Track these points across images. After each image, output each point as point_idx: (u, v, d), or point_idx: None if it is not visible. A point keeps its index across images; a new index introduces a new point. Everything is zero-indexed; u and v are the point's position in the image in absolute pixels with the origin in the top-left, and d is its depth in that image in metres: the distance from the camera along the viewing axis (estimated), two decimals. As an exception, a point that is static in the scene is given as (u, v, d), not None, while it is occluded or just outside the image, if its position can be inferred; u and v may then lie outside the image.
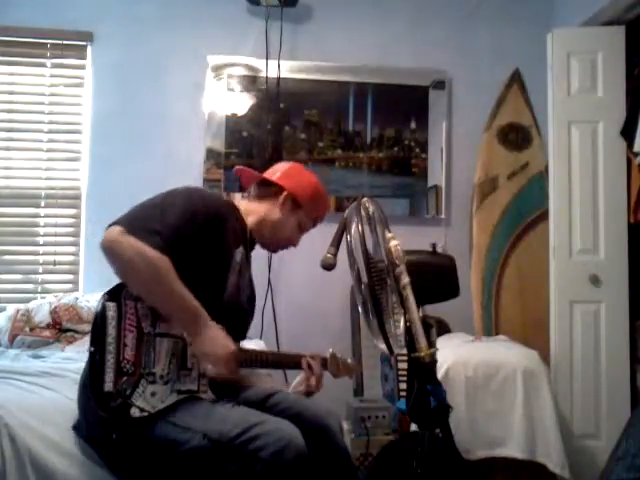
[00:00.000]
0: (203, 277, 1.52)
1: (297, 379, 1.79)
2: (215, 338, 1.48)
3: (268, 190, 1.78)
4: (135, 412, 1.38)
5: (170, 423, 1.42)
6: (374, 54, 3.20)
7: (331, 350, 1.81)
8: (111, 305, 1.44)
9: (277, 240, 1.80)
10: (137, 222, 1.44)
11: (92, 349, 1.42)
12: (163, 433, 1.41)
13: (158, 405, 1.42)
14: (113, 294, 1.46)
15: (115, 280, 1.47)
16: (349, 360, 1.85)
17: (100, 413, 1.37)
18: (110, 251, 1.41)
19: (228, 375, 1.56)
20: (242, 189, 2.76)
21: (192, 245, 1.49)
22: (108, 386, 1.38)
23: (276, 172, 1.81)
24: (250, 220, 1.74)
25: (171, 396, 1.45)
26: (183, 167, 3.04)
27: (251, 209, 1.76)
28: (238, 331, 1.65)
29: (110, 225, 1.44)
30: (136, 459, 1.47)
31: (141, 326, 1.45)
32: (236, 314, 1.65)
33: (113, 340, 1.41)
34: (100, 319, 1.42)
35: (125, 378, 1.40)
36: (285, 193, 1.76)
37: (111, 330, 1.42)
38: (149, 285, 1.43)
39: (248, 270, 1.75)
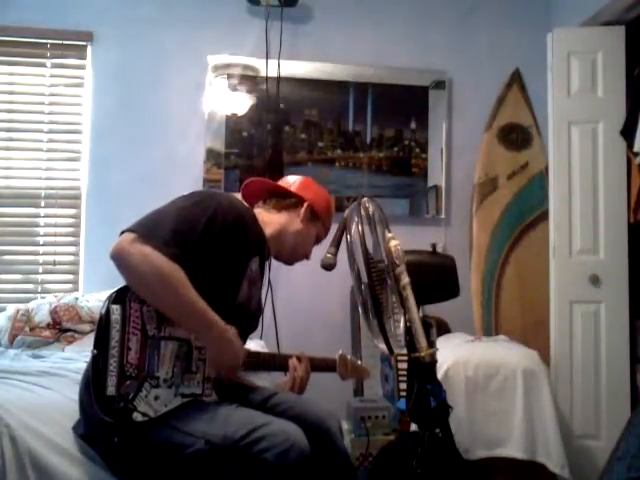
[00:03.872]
0: (217, 283, 1.51)
1: (283, 380, 1.78)
2: (229, 350, 1.49)
3: (287, 201, 1.78)
4: (137, 416, 1.37)
5: (173, 427, 1.41)
6: (374, 54, 3.20)
7: (340, 352, 1.79)
8: (115, 308, 1.42)
9: (296, 251, 1.80)
10: (150, 229, 1.42)
11: (95, 352, 1.41)
12: (166, 437, 1.40)
13: (161, 409, 1.41)
14: (118, 296, 1.44)
15: (116, 280, 1.46)
16: (359, 362, 1.83)
17: (102, 417, 1.37)
18: (120, 262, 1.39)
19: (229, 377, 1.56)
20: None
21: (208, 251, 1.48)
22: (110, 390, 1.37)
23: (292, 184, 1.82)
24: (268, 231, 1.72)
25: (175, 400, 1.44)
26: (183, 167, 3.04)
27: (269, 220, 1.74)
28: (242, 336, 1.65)
29: (122, 232, 1.42)
30: (138, 462, 1.46)
31: (145, 329, 1.44)
32: (244, 319, 1.64)
33: (117, 344, 1.40)
34: (104, 322, 1.41)
35: (128, 382, 1.39)
36: (306, 204, 1.77)
37: (115, 334, 1.40)
38: (161, 297, 1.42)
39: (261, 280, 1.73)
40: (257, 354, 1.76)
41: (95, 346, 1.42)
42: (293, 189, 1.80)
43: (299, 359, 1.73)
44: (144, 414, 1.38)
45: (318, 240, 1.84)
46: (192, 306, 1.42)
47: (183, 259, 1.41)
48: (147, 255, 1.38)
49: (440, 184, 3.21)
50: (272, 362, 1.76)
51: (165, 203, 1.54)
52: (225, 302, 1.53)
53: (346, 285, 2.68)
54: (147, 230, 1.42)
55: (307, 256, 1.83)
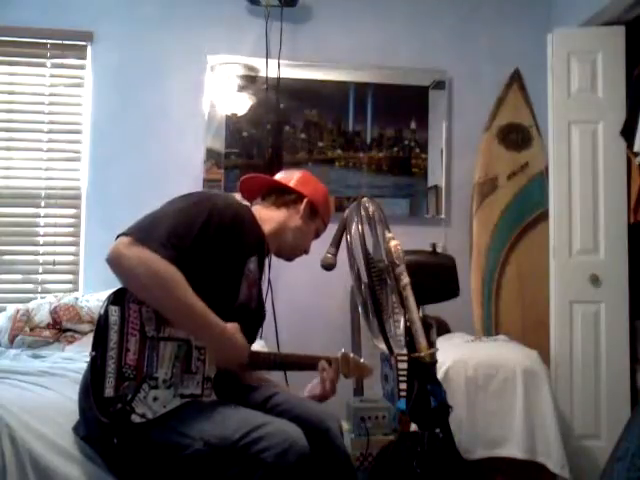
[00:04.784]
0: (215, 283, 1.50)
1: (312, 383, 1.78)
2: (231, 348, 1.50)
3: (286, 198, 1.78)
4: (135, 418, 1.37)
5: (172, 428, 1.40)
6: (374, 54, 3.20)
7: (343, 350, 1.78)
8: (114, 309, 1.42)
9: (296, 247, 1.80)
10: (146, 232, 1.42)
11: (93, 353, 1.40)
12: (165, 438, 1.40)
13: (160, 410, 1.40)
14: (116, 297, 1.44)
15: (115, 281, 1.46)
16: (362, 360, 1.83)
17: (101, 418, 1.36)
18: (117, 266, 1.39)
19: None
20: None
21: (205, 252, 1.48)
22: (108, 392, 1.36)
23: (290, 179, 1.81)
24: (267, 228, 1.72)
25: (173, 401, 1.43)
26: (183, 167, 3.04)
27: (268, 217, 1.74)
28: (248, 336, 1.65)
29: (118, 236, 1.42)
30: (138, 463, 1.46)
31: (144, 330, 1.43)
32: (245, 319, 1.64)
33: (115, 345, 1.39)
34: (103, 323, 1.41)
35: (126, 383, 1.38)
36: (306, 200, 1.77)
37: (113, 335, 1.40)
38: (159, 299, 1.42)
39: (260, 279, 1.72)
40: (276, 355, 1.75)
41: (93, 347, 1.41)
42: (292, 185, 1.79)
43: (329, 361, 1.73)
44: (142, 415, 1.38)
45: (317, 235, 1.84)
46: (190, 307, 1.43)
47: (180, 261, 1.41)
48: (144, 258, 1.37)
49: (440, 184, 3.21)
50: (292, 362, 1.76)
51: (162, 204, 1.54)
52: (225, 303, 1.53)
53: (346, 285, 2.68)
54: (143, 233, 1.42)
55: (307, 251, 1.83)
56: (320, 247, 1.65)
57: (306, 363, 1.73)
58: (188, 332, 1.48)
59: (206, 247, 1.48)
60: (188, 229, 1.46)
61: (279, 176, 1.86)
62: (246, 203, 1.78)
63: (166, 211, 1.50)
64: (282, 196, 1.78)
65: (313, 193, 1.80)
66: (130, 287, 1.43)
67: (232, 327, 1.51)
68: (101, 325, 1.41)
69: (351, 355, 1.79)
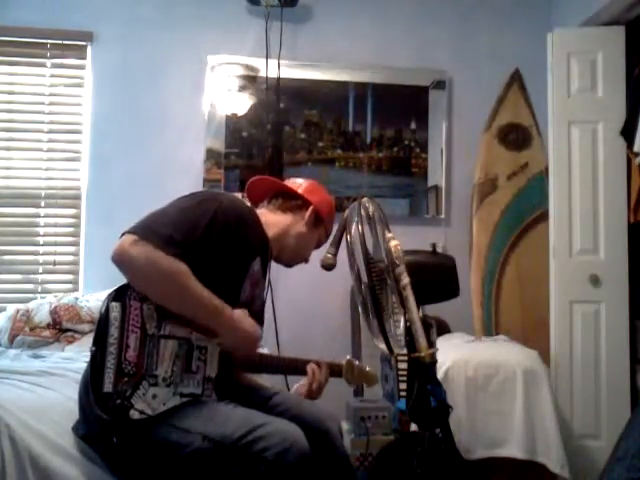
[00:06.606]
0: (218, 283, 1.50)
1: (299, 383, 1.78)
2: (243, 332, 1.51)
3: (293, 203, 1.78)
4: (134, 414, 1.37)
5: (172, 426, 1.40)
6: (374, 54, 3.21)
7: (348, 357, 1.80)
8: (115, 305, 1.42)
9: (297, 254, 1.80)
10: (151, 230, 1.42)
11: (93, 348, 1.41)
12: (164, 436, 1.40)
13: (159, 408, 1.40)
14: (118, 294, 1.44)
15: (115, 280, 1.46)
16: (367, 368, 1.83)
17: (100, 414, 1.36)
18: (122, 263, 1.39)
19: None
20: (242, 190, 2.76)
21: (210, 252, 1.48)
22: (107, 387, 1.37)
23: (299, 186, 1.82)
24: (270, 232, 1.72)
25: (173, 399, 1.43)
26: (183, 167, 3.04)
27: (273, 221, 1.74)
28: None
29: (123, 234, 1.42)
30: (137, 461, 1.46)
31: (145, 327, 1.43)
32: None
33: (115, 341, 1.40)
34: (104, 320, 1.41)
35: (126, 379, 1.38)
36: (312, 207, 1.78)
37: (113, 331, 1.40)
38: (166, 293, 1.42)
39: (263, 282, 1.73)
40: (271, 357, 1.76)
41: (94, 343, 1.42)
42: (300, 191, 1.80)
43: (318, 365, 1.73)
44: (141, 412, 1.38)
45: (318, 245, 1.85)
46: (199, 298, 1.43)
47: (184, 258, 1.41)
48: (149, 254, 1.38)
49: (440, 184, 3.21)
50: (284, 366, 1.76)
51: (165, 203, 1.54)
52: (227, 302, 1.53)
53: (346, 285, 2.68)
54: (148, 231, 1.42)
55: (307, 259, 1.84)
56: (320, 248, 1.65)
57: (300, 367, 1.74)
58: (199, 322, 1.47)
59: (210, 246, 1.48)
60: (193, 227, 1.46)
61: (288, 182, 1.87)
62: (251, 208, 1.78)
63: (171, 209, 1.50)
64: (289, 201, 1.79)
65: (319, 202, 1.80)
66: (137, 284, 1.43)
67: (240, 312, 1.52)
68: (102, 321, 1.42)
69: (356, 362, 1.79)
